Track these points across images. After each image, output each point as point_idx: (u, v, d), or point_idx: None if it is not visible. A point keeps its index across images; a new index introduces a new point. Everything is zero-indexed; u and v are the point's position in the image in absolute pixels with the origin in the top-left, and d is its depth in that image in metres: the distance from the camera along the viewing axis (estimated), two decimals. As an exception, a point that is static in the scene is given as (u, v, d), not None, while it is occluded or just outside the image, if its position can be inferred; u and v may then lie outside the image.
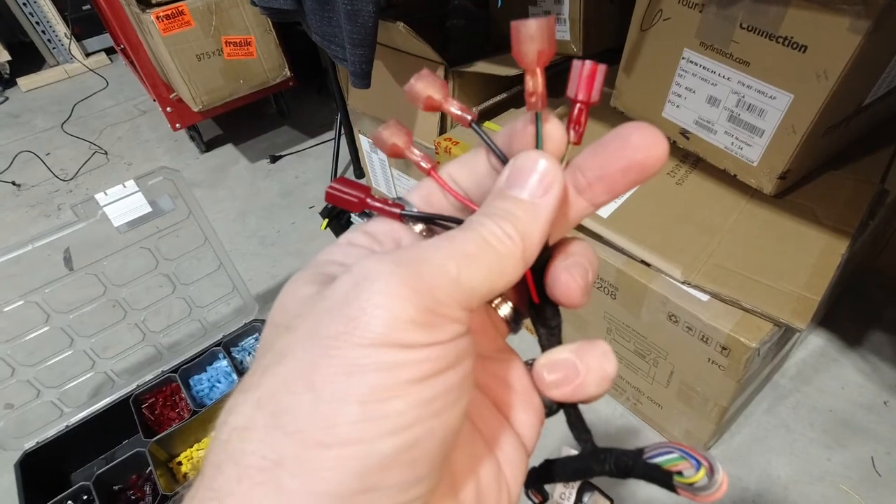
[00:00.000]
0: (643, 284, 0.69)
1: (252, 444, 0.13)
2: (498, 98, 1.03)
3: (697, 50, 0.69)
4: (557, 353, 0.19)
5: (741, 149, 0.71)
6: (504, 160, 0.18)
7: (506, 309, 0.21)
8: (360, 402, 0.13)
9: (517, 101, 1.03)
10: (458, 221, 0.18)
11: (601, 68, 0.17)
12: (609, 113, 0.87)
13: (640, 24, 0.74)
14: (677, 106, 0.76)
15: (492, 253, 0.16)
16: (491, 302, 0.21)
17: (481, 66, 0.93)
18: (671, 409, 0.82)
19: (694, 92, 0.72)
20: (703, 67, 0.70)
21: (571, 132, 0.18)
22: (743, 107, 0.68)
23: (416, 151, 0.19)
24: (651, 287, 0.69)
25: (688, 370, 0.73)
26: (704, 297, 0.67)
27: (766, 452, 0.84)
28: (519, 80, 1.01)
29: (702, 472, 0.16)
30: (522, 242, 0.16)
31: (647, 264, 0.71)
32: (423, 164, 0.19)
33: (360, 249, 0.18)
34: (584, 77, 0.17)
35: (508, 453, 0.19)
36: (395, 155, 0.19)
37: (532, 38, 0.16)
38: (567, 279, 0.18)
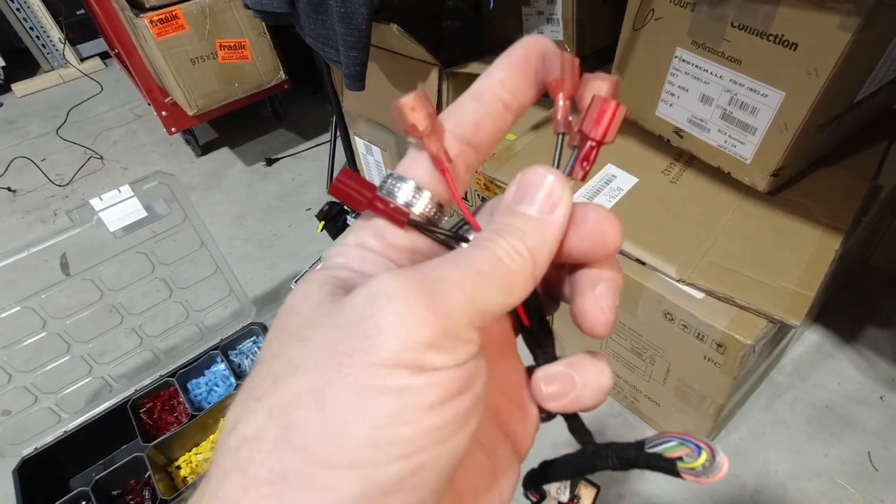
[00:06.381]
0: (638, 283, 0.70)
1: (261, 454, 0.13)
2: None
3: (689, 49, 0.69)
4: (555, 367, 0.19)
5: (734, 146, 0.71)
6: (450, 246, 0.18)
7: None
8: (368, 426, 0.13)
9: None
10: (464, 239, 0.18)
11: (622, 109, 0.17)
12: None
13: (633, 23, 0.74)
14: (670, 105, 0.76)
15: (504, 270, 0.15)
16: None
17: (475, 68, 0.93)
18: (669, 406, 0.82)
19: (687, 90, 0.73)
20: (696, 66, 0.70)
21: (579, 169, 0.17)
22: (735, 105, 0.68)
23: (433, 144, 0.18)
24: (646, 285, 0.69)
25: (684, 368, 0.74)
26: (699, 295, 0.67)
27: (763, 448, 0.85)
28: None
29: (703, 455, 0.16)
30: (532, 258, 0.16)
31: (642, 263, 0.71)
32: (439, 161, 0.18)
33: (374, 255, 0.18)
34: (607, 117, 0.17)
35: (504, 462, 0.19)
36: (412, 133, 0.18)
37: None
38: (596, 314, 0.18)
